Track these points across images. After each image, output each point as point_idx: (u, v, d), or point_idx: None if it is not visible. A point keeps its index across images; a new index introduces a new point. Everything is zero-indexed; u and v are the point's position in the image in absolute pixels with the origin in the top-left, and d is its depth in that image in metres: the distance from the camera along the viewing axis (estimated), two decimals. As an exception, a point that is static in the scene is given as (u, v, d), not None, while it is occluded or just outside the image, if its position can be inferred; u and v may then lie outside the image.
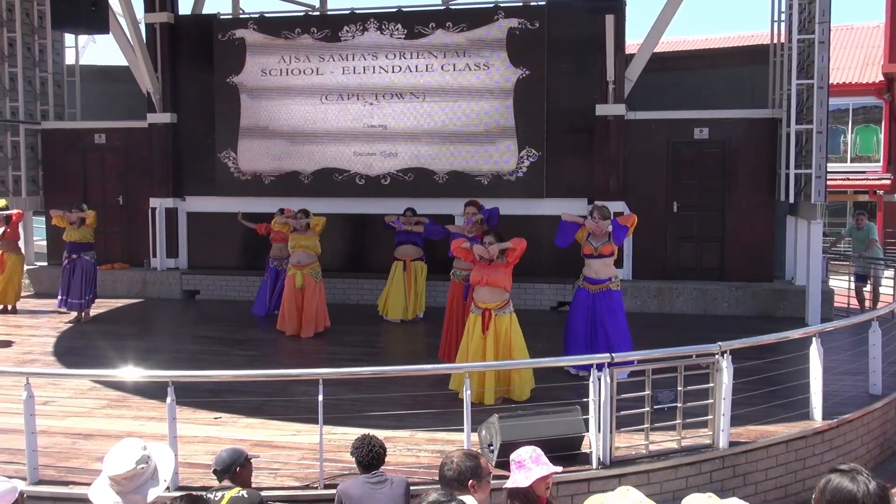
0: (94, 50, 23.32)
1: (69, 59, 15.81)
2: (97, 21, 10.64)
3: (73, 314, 12.23)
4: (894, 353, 9.13)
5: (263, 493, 4.86)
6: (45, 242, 15.66)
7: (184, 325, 12.58)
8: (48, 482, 6.12)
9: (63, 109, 15.55)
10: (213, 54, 14.32)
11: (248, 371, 8.31)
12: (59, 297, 12.25)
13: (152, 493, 3.40)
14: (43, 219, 15.45)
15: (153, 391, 7.58)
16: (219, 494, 4.52)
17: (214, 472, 4.75)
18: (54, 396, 8.14)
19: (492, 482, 3.82)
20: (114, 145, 14.99)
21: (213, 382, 7.70)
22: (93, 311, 12.52)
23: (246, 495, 4.51)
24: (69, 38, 15.66)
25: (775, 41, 13.36)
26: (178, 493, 3.72)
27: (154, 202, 14.60)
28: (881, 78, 24.58)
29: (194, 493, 3.86)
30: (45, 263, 15.24)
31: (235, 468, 4.70)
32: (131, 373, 7.71)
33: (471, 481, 3.68)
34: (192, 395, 7.28)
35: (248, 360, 9.94)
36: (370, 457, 4.98)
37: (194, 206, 14.82)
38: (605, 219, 8.80)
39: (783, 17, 12.92)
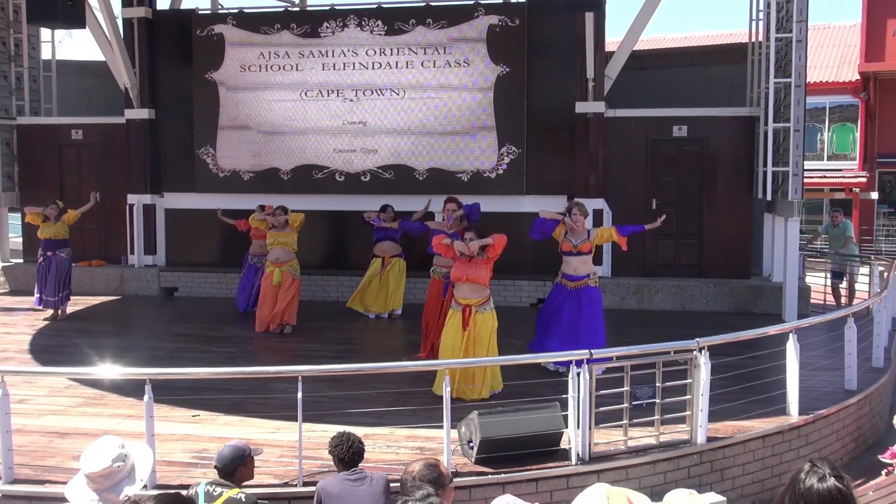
0: (71, 45, 23.00)
1: (45, 53, 15.62)
2: (74, 16, 10.53)
3: (49, 311, 12.12)
4: (869, 349, 9.25)
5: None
6: (20, 239, 15.49)
7: (162, 323, 12.48)
8: (23, 481, 6.06)
9: (39, 105, 15.36)
10: (191, 50, 14.21)
11: (227, 368, 8.24)
12: (36, 295, 12.15)
13: (127, 492, 3.38)
14: (19, 216, 15.27)
15: (130, 389, 7.52)
16: (217, 490, 4.46)
17: (216, 468, 4.71)
18: (30, 395, 8.06)
19: (471, 480, 3.86)
20: (91, 141, 14.84)
21: (191, 380, 7.66)
22: (69, 309, 12.40)
23: (244, 500, 4.46)
24: (45, 33, 15.44)
25: (753, 40, 13.45)
26: (157, 492, 3.69)
27: (132, 199, 14.47)
28: (857, 77, 24.86)
29: (172, 491, 3.84)
30: (21, 260, 15.09)
31: (237, 467, 4.64)
32: (108, 370, 7.66)
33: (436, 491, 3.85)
34: (170, 393, 7.23)
35: (226, 357, 9.88)
36: (349, 454, 4.99)
37: (173, 203, 14.71)
38: (583, 216, 8.84)
39: (761, 15, 13.01)
